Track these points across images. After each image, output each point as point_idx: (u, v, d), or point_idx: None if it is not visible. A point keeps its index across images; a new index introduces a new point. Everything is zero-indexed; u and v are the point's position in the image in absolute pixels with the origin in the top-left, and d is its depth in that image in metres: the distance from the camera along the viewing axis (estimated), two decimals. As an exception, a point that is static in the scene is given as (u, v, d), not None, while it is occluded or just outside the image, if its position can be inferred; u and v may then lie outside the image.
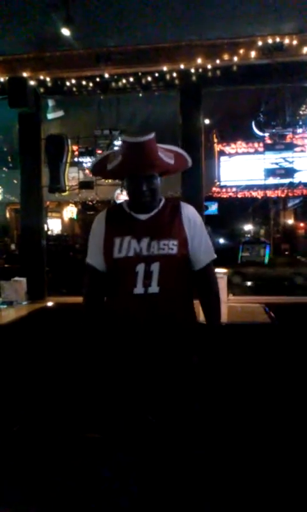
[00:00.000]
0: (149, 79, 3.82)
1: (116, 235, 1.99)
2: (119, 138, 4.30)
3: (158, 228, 1.98)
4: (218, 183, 8.02)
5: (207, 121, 5.14)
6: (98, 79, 3.88)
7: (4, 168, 9.14)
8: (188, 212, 2.07)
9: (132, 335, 1.92)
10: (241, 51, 3.57)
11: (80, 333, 2.11)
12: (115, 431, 2.00)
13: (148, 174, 1.96)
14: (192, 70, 3.72)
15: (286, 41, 3.48)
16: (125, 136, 1.89)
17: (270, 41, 3.49)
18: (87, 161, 4.60)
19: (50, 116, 4.56)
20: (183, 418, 1.96)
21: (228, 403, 2.99)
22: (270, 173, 7.41)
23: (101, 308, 2.11)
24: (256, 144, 7.72)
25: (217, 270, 3.65)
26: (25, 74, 3.83)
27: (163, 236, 1.96)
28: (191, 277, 2.08)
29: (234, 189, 8.19)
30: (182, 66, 3.70)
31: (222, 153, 8.02)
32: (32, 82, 3.89)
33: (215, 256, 2.12)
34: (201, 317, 2.16)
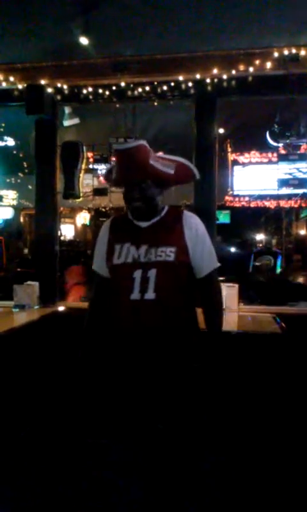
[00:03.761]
0: (165, 88, 3.87)
1: (116, 242, 2.04)
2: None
3: (157, 235, 2.00)
4: (231, 192, 8.02)
5: (221, 131, 5.16)
6: (114, 88, 3.94)
7: (19, 174, 9.22)
8: (191, 221, 2.07)
9: (128, 340, 1.94)
10: (257, 62, 3.60)
11: (79, 337, 2.14)
12: (118, 437, 2.00)
13: (138, 181, 1.97)
14: (208, 80, 3.75)
15: (302, 52, 3.50)
16: (115, 144, 1.93)
17: (286, 52, 3.51)
18: (102, 168, 4.64)
19: (66, 123, 4.62)
20: (185, 425, 1.95)
21: (237, 412, 2.98)
22: (284, 183, 7.39)
23: (104, 314, 2.14)
24: (270, 154, 7.72)
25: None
26: (42, 82, 3.89)
27: (161, 243, 1.97)
28: (193, 285, 2.07)
29: (247, 199, 8.18)
30: (198, 76, 3.74)
31: (235, 162, 8.02)
32: (49, 90, 3.95)
33: (219, 264, 2.12)
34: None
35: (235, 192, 8.13)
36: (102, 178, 4.88)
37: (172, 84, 3.84)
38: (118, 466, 2.05)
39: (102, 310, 2.17)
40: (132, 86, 3.91)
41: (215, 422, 2.24)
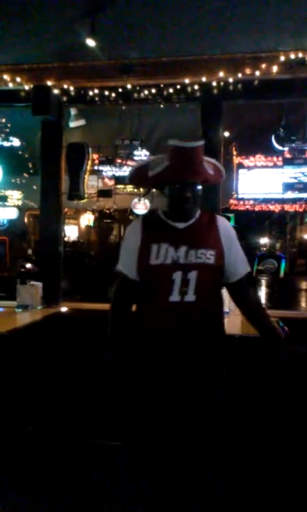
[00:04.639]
0: (170, 90, 3.87)
1: (153, 242, 1.96)
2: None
3: (196, 237, 1.97)
4: (236, 195, 8.04)
5: (227, 134, 5.18)
6: (120, 90, 3.94)
7: (24, 174, 9.27)
8: (224, 224, 2.07)
9: (166, 343, 1.90)
10: (263, 65, 3.59)
11: (105, 340, 2.09)
12: (134, 440, 1.98)
13: (194, 181, 1.95)
14: (214, 83, 3.75)
15: (309, 57, 3.50)
16: (174, 141, 1.86)
17: (292, 56, 3.50)
18: (107, 170, 4.66)
19: (72, 124, 4.64)
20: (210, 432, 1.95)
21: (240, 414, 2.97)
22: (289, 187, 7.43)
23: (128, 316, 2.10)
24: (275, 158, 7.74)
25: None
26: (49, 83, 3.90)
27: (201, 245, 1.95)
28: (222, 288, 2.09)
29: (251, 202, 8.20)
30: (204, 79, 3.73)
31: (240, 165, 8.04)
32: (56, 91, 3.95)
33: (250, 269, 2.13)
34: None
35: (240, 196, 8.17)
36: (106, 179, 4.90)
37: (178, 86, 3.84)
38: (119, 467, 2.05)
39: (127, 313, 2.12)
40: (138, 88, 3.91)
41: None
